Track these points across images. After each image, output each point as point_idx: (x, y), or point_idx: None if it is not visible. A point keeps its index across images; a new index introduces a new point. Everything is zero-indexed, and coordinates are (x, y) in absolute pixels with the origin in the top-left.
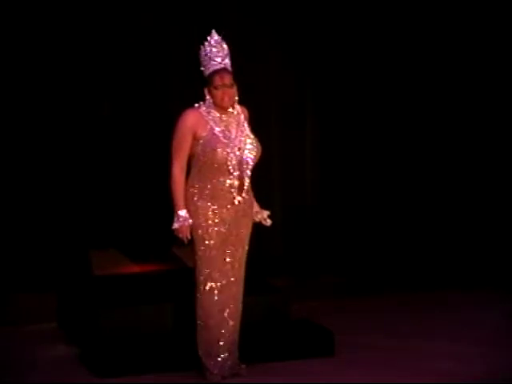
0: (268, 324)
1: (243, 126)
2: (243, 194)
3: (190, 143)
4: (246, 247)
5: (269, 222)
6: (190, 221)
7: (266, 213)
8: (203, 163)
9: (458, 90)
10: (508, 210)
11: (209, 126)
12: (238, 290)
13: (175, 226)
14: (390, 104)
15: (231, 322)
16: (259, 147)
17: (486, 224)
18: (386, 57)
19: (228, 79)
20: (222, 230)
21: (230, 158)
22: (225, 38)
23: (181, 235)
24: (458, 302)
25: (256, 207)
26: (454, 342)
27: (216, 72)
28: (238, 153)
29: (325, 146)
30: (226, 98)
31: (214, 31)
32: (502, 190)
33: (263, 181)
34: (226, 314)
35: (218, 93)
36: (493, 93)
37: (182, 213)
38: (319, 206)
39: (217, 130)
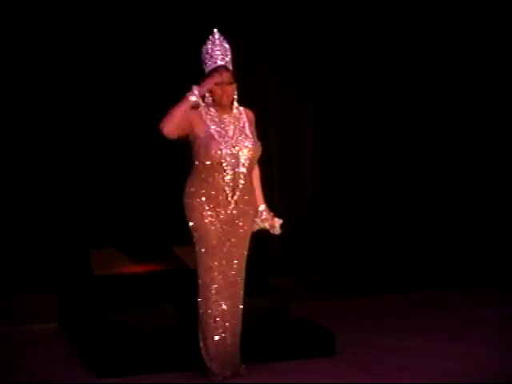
0: (268, 324)
1: (243, 126)
2: (237, 193)
3: (186, 120)
4: (246, 247)
5: (277, 231)
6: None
7: (278, 221)
8: (200, 161)
9: (458, 92)
10: (508, 210)
11: (205, 124)
12: (238, 291)
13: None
14: (390, 105)
15: (231, 323)
16: (257, 148)
17: (485, 224)
18: (385, 57)
19: (227, 77)
20: (220, 229)
21: (223, 156)
22: (226, 37)
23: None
24: (458, 301)
25: (266, 214)
26: (454, 342)
27: (215, 70)
28: (233, 151)
29: (325, 147)
30: (225, 96)
31: (215, 30)
32: (501, 191)
33: (263, 181)
34: (225, 315)
35: (217, 90)
36: (493, 93)
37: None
38: (319, 206)
39: (212, 128)
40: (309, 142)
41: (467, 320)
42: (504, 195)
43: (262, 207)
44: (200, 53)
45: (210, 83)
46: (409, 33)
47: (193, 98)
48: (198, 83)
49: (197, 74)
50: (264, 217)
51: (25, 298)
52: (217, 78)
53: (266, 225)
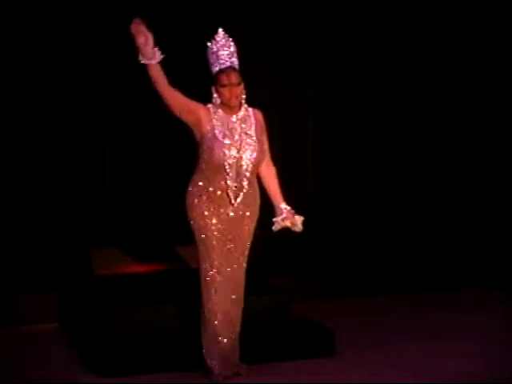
0: (268, 324)
1: (249, 127)
2: (241, 196)
3: (186, 108)
4: (247, 247)
5: (299, 229)
6: (154, 59)
7: (299, 219)
8: (204, 162)
9: (458, 91)
10: (508, 210)
11: (211, 124)
12: (238, 291)
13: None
14: (390, 104)
15: (232, 323)
16: (262, 150)
17: (486, 224)
18: (386, 57)
19: (234, 77)
20: (221, 229)
21: (226, 158)
22: (225, 32)
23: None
24: (458, 301)
25: (287, 212)
26: (454, 342)
27: (222, 71)
28: (236, 154)
29: (326, 146)
30: (233, 97)
31: (220, 29)
32: (501, 191)
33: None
34: (225, 314)
35: (225, 91)
36: (493, 93)
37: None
38: (320, 206)
39: (217, 129)
40: (309, 140)
41: (467, 320)
42: (504, 195)
43: (282, 206)
44: (200, 49)
45: (138, 41)
46: (409, 32)
47: (152, 62)
48: (198, 83)
49: (197, 71)
50: (285, 215)
51: (25, 298)
52: (224, 80)
53: (287, 223)
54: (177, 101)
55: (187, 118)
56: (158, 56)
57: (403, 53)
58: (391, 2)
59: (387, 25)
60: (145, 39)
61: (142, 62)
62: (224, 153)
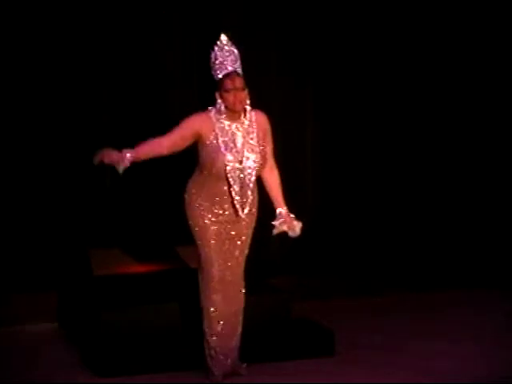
0: (268, 324)
1: (252, 135)
2: (247, 207)
3: (187, 138)
4: (247, 246)
5: (296, 234)
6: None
7: (297, 225)
8: (205, 168)
9: (458, 90)
10: (508, 209)
11: (214, 133)
12: (238, 289)
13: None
14: (391, 104)
15: (231, 321)
16: (264, 158)
17: (486, 224)
18: (386, 56)
19: (239, 82)
20: (221, 229)
21: (229, 170)
22: (224, 28)
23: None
24: (458, 301)
25: (285, 216)
26: (454, 342)
27: (227, 76)
28: (239, 165)
29: (325, 147)
30: (238, 102)
31: (223, 35)
32: (501, 191)
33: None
34: (225, 314)
35: (230, 96)
36: (493, 93)
37: (128, 155)
38: (320, 206)
39: (220, 139)
40: (309, 141)
41: (467, 320)
42: (504, 195)
43: (282, 210)
44: (201, 51)
45: (108, 162)
46: (409, 32)
47: (128, 161)
48: (197, 86)
49: (196, 74)
50: (283, 219)
51: (25, 298)
52: (228, 85)
53: (285, 227)
54: (175, 144)
55: (192, 141)
56: (125, 153)
57: (403, 52)
58: (391, 2)
59: (387, 25)
60: (110, 157)
61: (126, 165)
62: (226, 165)
